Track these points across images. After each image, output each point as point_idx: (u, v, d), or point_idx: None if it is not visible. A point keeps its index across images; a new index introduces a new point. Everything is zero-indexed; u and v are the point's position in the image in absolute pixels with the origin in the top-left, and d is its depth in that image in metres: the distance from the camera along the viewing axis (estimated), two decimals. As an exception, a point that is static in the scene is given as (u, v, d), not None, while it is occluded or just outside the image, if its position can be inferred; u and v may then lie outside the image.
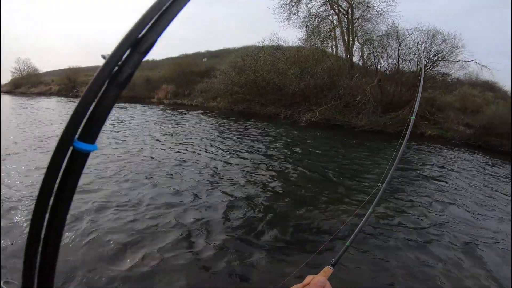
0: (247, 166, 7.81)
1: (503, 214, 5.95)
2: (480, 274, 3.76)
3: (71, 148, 0.47)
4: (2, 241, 3.69)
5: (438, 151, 12.14)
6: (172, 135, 11.88)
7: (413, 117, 2.49)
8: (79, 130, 0.46)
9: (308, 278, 1.14)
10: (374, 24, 22.09)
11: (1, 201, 4.76)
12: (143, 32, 0.43)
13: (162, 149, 9.16)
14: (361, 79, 18.57)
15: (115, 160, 7.61)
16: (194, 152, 9.02)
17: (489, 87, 22.91)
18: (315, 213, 5.16)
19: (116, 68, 0.43)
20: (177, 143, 10.26)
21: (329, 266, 1.28)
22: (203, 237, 4.16)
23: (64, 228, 0.56)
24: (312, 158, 9.29)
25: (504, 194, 7.16)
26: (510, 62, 19.64)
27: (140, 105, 24.91)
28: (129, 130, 12.31)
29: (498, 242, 4.67)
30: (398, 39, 18.09)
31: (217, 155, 8.82)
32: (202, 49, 48.45)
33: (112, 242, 3.89)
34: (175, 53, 49.79)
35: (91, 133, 0.47)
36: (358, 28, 22.72)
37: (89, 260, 3.50)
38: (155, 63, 40.50)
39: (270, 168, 7.77)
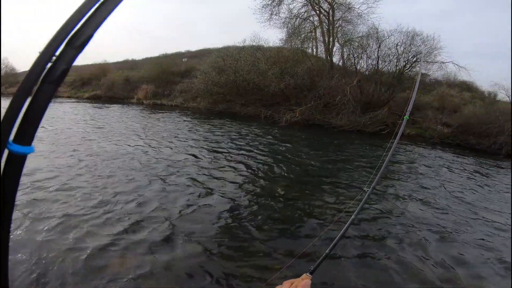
0: (224, 167, 7.75)
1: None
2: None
3: (6, 151, 0.43)
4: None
5: (416, 149, 12.44)
6: (147, 134, 11.72)
7: (407, 117, 2.49)
8: (14, 131, 0.43)
9: (286, 284, 1.12)
10: (355, 26, 22.54)
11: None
12: (78, 26, 0.40)
13: (139, 148, 9.02)
14: (341, 79, 18.83)
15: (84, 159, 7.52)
16: (167, 150, 8.95)
17: (467, 87, 23.58)
18: (295, 216, 5.14)
19: (50, 64, 0.40)
20: (151, 141, 10.13)
21: (307, 273, 1.27)
22: (177, 237, 4.10)
23: (10, 234, 0.52)
24: (291, 159, 9.32)
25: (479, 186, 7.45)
26: (510, 62, 20.24)
27: (118, 105, 24.47)
28: (103, 129, 12.06)
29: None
30: (378, 40, 18.44)
31: (196, 155, 8.74)
32: (182, 49, 47.90)
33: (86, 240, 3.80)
34: (155, 53, 49.03)
35: (27, 134, 0.43)
36: (339, 29, 23.04)
37: (62, 261, 3.40)
38: (134, 63, 39.48)
39: (248, 168, 7.73)
